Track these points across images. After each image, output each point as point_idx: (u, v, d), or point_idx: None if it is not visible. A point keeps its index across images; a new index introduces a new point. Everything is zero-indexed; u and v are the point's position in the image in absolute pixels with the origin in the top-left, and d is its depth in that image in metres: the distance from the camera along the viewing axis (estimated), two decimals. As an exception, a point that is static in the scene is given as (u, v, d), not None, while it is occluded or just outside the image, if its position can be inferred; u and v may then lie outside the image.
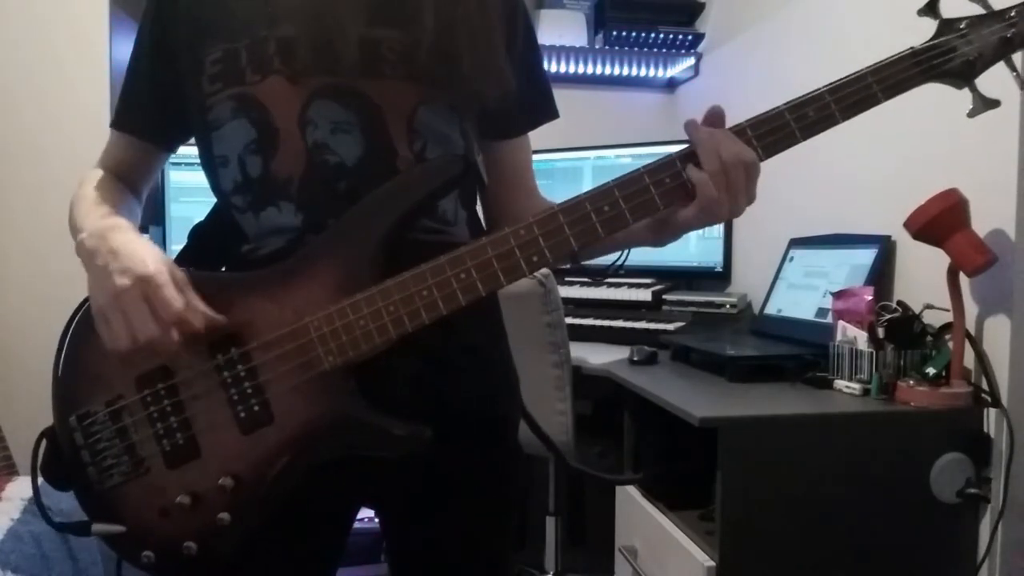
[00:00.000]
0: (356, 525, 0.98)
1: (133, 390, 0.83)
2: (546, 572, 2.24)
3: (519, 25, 0.97)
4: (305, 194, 0.85)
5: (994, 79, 0.83)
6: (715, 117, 0.82)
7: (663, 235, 0.87)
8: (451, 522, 0.93)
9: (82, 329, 0.85)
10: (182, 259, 0.95)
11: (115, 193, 0.92)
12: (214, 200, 0.95)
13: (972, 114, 0.82)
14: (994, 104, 0.82)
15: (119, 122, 0.96)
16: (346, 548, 0.96)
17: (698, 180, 0.79)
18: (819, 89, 0.80)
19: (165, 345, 0.77)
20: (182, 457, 0.82)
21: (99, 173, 0.94)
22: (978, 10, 0.81)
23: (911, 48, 0.81)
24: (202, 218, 0.98)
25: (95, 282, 0.80)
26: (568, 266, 0.86)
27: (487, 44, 0.88)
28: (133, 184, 0.97)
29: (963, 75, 0.81)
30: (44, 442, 0.86)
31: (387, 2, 0.86)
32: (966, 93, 0.83)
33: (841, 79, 0.80)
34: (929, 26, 0.83)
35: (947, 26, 0.81)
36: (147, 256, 0.78)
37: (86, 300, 0.86)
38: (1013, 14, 0.80)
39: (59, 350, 0.86)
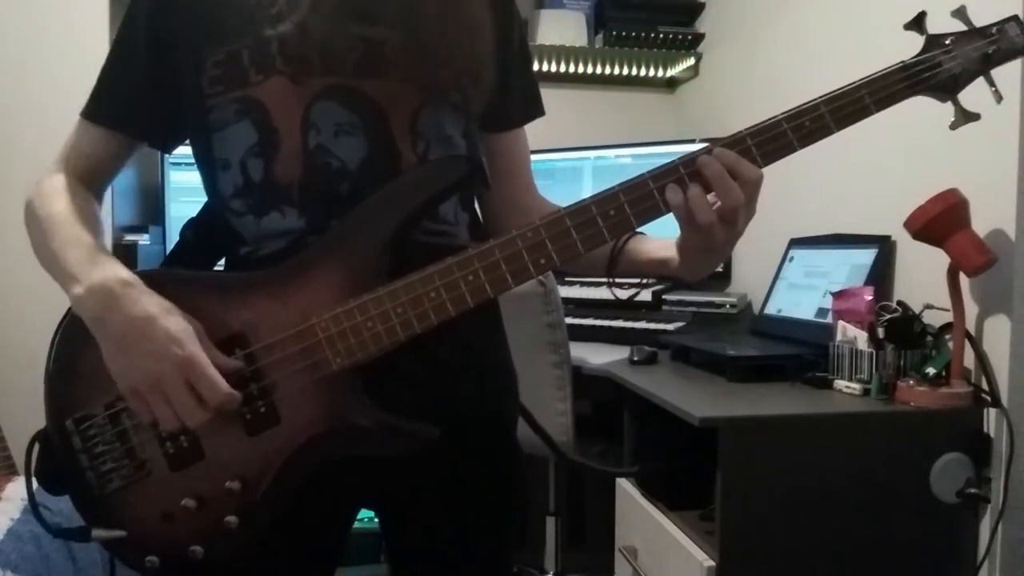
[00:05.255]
0: (356, 525, 0.98)
1: None
2: (546, 572, 2.24)
3: (515, 22, 0.98)
4: (307, 198, 0.84)
5: (982, 90, 0.84)
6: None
7: (678, 269, 0.89)
8: (451, 521, 0.93)
9: (74, 331, 0.82)
10: (176, 256, 0.94)
11: (87, 213, 0.86)
12: (213, 199, 0.94)
13: (954, 126, 0.85)
14: (975, 117, 0.84)
15: (97, 115, 0.90)
16: (345, 548, 0.96)
17: (693, 199, 0.79)
18: (815, 100, 0.81)
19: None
20: (186, 460, 0.81)
21: (59, 182, 0.87)
22: (962, 27, 0.84)
23: (902, 62, 0.83)
24: (194, 215, 0.95)
25: (117, 358, 0.77)
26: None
27: (480, 43, 0.88)
28: (97, 184, 0.91)
29: (947, 89, 0.83)
30: (37, 445, 0.84)
31: (388, 1, 0.85)
32: (967, 91, 0.84)
33: (836, 91, 0.81)
34: (930, 19, 0.84)
35: (933, 41, 0.83)
36: (176, 331, 0.75)
37: None
38: (995, 32, 0.82)
39: (49, 352, 0.84)
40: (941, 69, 0.82)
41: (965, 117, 0.84)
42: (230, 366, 0.78)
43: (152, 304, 0.77)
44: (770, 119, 0.81)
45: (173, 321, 0.76)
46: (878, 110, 0.81)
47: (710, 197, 0.79)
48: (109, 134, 0.90)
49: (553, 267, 0.81)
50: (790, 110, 0.81)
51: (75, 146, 0.91)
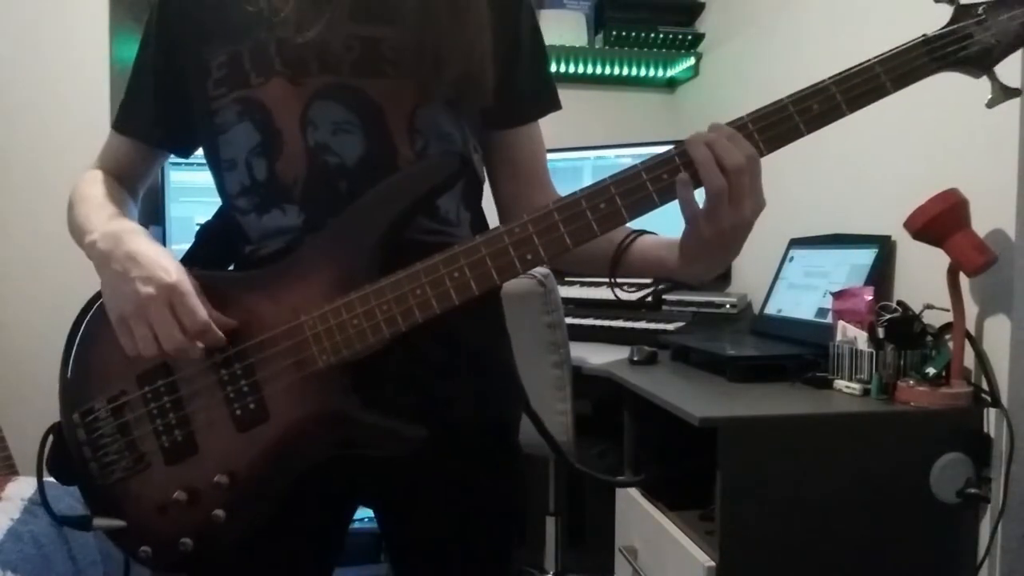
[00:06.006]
0: (356, 525, 0.98)
1: (134, 387, 0.83)
2: (546, 572, 2.24)
3: (523, 18, 0.96)
4: (308, 196, 0.85)
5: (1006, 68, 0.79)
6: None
7: (683, 267, 0.86)
8: (451, 521, 0.93)
9: (89, 328, 0.86)
10: (188, 259, 0.96)
11: (117, 195, 0.92)
12: (214, 200, 0.95)
13: (991, 104, 0.78)
14: (1015, 93, 0.77)
15: (122, 126, 0.97)
16: (344, 547, 0.96)
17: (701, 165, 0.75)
18: (824, 80, 0.77)
19: (189, 354, 0.79)
20: (180, 454, 0.83)
21: (98, 174, 0.95)
22: None
23: (923, 35, 0.77)
24: (208, 218, 0.98)
25: (113, 288, 0.80)
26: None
27: (478, 41, 0.88)
28: (131, 185, 0.98)
29: (980, 63, 0.77)
30: (51, 438, 0.87)
31: (386, 1, 0.86)
32: (968, 91, 0.81)
33: (847, 69, 0.77)
34: (935, 19, 0.80)
35: (963, 11, 0.77)
36: (168, 264, 0.79)
37: (93, 299, 0.87)
38: None
39: (67, 348, 0.87)
40: (972, 41, 0.75)
41: (1004, 93, 0.77)
42: (221, 319, 0.80)
43: (152, 244, 0.82)
44: (774, 102, 0.77)
45: (167, 259, 0.80)
46: (896, 89, 0.76)
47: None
48: (132, 142, 0.96)
49: (540, 262, 0.79)
50: (796, 92, 0.77)
51: (107, 151, 0.99)
